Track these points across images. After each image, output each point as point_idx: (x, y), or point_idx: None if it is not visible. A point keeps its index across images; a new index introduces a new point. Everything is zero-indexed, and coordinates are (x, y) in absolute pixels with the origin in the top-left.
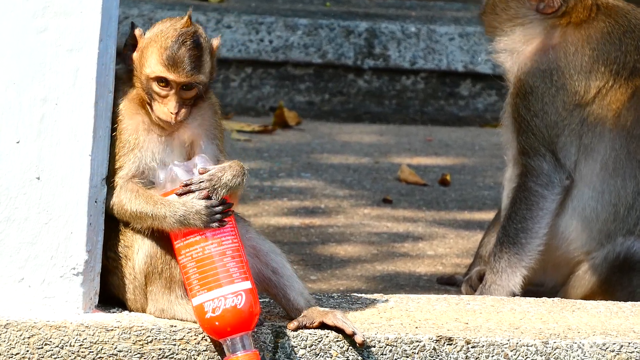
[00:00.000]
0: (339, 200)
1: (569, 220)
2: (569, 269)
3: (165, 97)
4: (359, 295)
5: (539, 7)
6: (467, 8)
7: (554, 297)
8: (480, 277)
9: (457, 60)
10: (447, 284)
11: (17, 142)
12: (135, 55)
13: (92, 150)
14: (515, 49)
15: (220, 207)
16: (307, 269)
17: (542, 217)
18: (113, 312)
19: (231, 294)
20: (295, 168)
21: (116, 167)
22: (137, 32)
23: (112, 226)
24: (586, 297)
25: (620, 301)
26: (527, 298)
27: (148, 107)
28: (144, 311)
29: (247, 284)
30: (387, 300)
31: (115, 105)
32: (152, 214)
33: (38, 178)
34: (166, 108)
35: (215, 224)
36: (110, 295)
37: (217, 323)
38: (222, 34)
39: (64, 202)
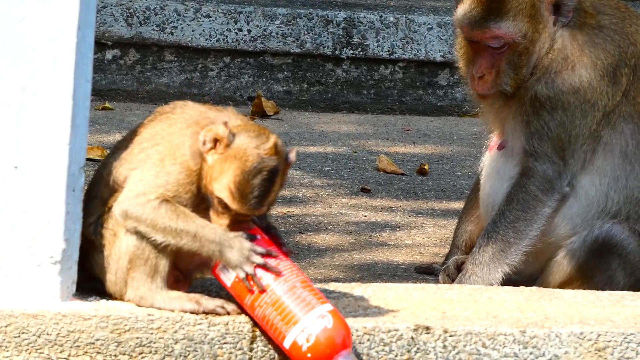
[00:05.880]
0: (317, 189)
1: (566, 211)
2: (547, 256)
3: (222, 213)
4: (337, 284)
5: (559, 24)
6: None
7: (531, 284)
8: (458, 267)
9: (435, 50)
10: (425, 273)
11: None
12: (215, 156)
13: (70, 139)
14: (538, 65)
15: (261, 251)
16: None
17: (536, 221)
18: (90, 301)
19: (317, 317)
20: None
21: (163, 191)
22: (223, 133)
23: (108, 201)
24: (565, 283)
25: (599, 285)
26: (505, 287)
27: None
28: (122, 295)
29: (329, 306)
30: (364, 289)
31: (184, 144)
32: (194, 233)
33: (16, 167)
34: (220, 221)
35: (249, 268)
36: (91, 276)
37: (311, 353)
38: (201, 24)
39: (42, 190)
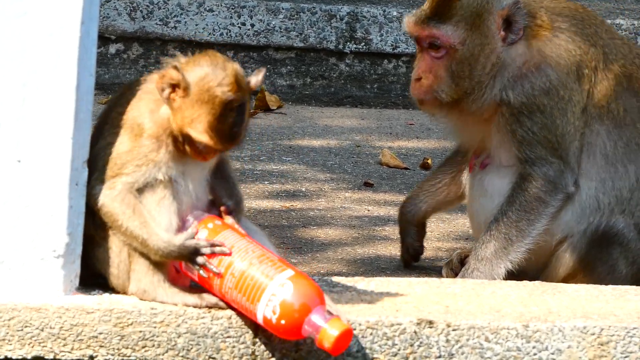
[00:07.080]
0: (320, 183)
1: (564, 215)
2: (550, 252)
3: (204, 152)
4: (340, 278)
5: (509, 41)
6: None
7: (535, 279)
8: (461, 260)
9: None
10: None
11: None
12: (177, 99)
13: (74, 134)
14: (497, 81)
15: (205, 244)
16: (287, 252)
17: (539, 221)
18: (94, 295)
19: (277, 287)
20: (276, 151)
21: (123, 170)
22: (176, 76)
23: None
24: (568, 276)
25: (601, 276)
26: (508, 281)
27: (176, 139)
28: (125, 289)
29: (289, 272)
30: (367, 283)
31: (141, 114)
32: (141, 240)
33: (19, 161)
34: (201, 156)
35: (200, 259)
36: (93, 272)
37: (283, 322)
38: (204, 18)
39: (45, 185)
